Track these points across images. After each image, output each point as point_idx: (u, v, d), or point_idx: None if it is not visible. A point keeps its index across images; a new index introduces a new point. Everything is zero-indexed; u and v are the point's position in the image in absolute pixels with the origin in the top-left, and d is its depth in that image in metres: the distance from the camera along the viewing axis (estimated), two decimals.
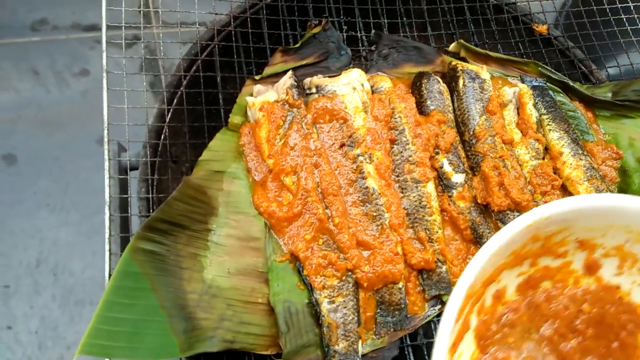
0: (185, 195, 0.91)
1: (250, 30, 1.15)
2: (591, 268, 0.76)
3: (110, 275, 0.92)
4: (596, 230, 0.72)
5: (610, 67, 1.29)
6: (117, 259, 0.93)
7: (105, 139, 1.00)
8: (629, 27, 1.32)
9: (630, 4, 1.34)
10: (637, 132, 1.15)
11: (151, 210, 0.97)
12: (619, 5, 1.35)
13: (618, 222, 0.71)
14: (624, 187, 1.11)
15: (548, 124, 1.12)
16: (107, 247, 0.93)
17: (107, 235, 0.94)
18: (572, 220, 0.70)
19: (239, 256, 0.93)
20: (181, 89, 1.08)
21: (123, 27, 1.09)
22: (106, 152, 0.99)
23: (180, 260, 0.89)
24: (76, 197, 1.89)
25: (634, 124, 1.17)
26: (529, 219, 0.67)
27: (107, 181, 0.97)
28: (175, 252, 0.89)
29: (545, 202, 1.04)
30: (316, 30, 1.15)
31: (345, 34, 1.21)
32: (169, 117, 1.06)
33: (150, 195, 0.99)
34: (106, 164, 0.98)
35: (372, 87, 1.10)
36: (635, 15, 1.32)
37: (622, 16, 1.33)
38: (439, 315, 0.97)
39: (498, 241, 0.66)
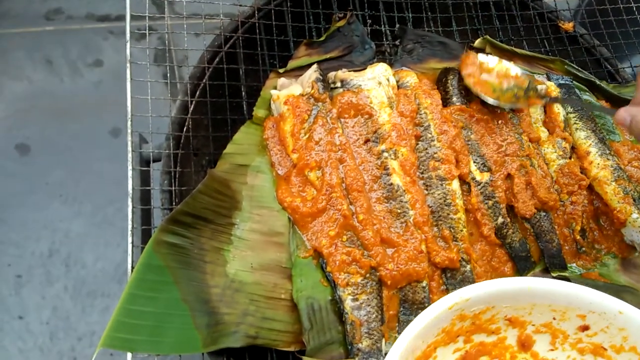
0: (210, 188, 0.89)
1: (274, 23, 1.13)
2: (525, 344, 0.79)
3: (132, 267, 0.91)
4: (522, 309, 0.74)
5: (636, 67, 1.27)
6: (137, 252, 0.92)
7: (129, 130, 0.99)
8: None
9: None
10: None
11: (174, 203, 0.96)
12: None
13: (540, 301, 0.73)
14: None
15: (575, 123, 1.10)
16: (129, 240, 0.92)
17: (129, 227, 0.93)
18: (495, 301, 0.72)
19: (262, 251, 0.92)
20: (204, 80, 1.06)
21: (147, 17, 1.08)
22: (129, 143, 0.98)
23: (203, 254, 0.88)
24: (89, 188, 1.88)
25: None
26: (449, 302, 0.69)
27: (130, 173, 0.96)
28: (198, 245, 0.88)
29: (572, 202, 1.02)
30: (341, 23, 1.13)
31: (369, 28, 1.19)
32: (191, 109, 1.05)
33: (173, 188, 0.97)
34: (129, 155, 0.97)
35: (397, 82, 1.08)
36: None
37: None
38: None
39: (422, 321, 0.69)
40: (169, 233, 0.86)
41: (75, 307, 1.73)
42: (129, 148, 0.97)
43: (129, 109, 0.99)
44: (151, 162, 0.99)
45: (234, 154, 0.96)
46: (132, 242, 0.92)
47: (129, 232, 0.92)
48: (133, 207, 0.94)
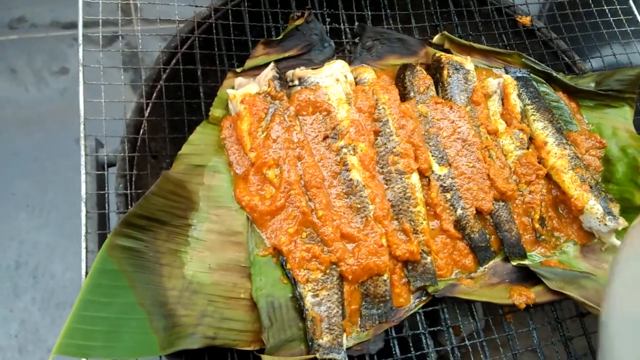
0: (164, 190, 0.88)
1: (231, 23, 1.13)
2: None
3: (87, 273, 0.89)
4: None
5: (593, 58, 1.30)
6: (93, 258, 0.90)
7: (82, 134, 0.97)
8: (611, 19, 1.32)
9: None
10: (621, 121, 1.16)
11: (130, 207, 0.94)
12: None
13: None
14: (608, 176, 1.11)
15: (532, 114, 1.11)
16: (83, 245, 0.91)
17: (83, 232, 0.92)
18: None
19: (220, 251, 0.91)
20: (160, 82, 1.05)
21: (100, 22, 1.07)
22: (82, 147, 0.96)
23: (159, 257, 0.87)
24: (56, 198, 1.85)
25: (617, 114, 1.17)
26: None
27: (83, 177, 0.95)
28: (154, 248, 0.86)
29: (531, 191, 1.04)
30: (299, 22, 1.13)
31: (328, 26, 1.19)
32: (148, 111, 1.04)
33: (129, 191, 0.96)
34: (82, 159, 0.96)
35: (355, 78, 1.08)
36: (618, 7, 1.33)
37: (605, 7, 1.33)
38: (425, 306, 0.96)
39: None
40: (123, 236, 0.85)
41: (44, 319, 1.70)
42: (82, 152, 0.95)
43: (81, 112, 0.98)
44: (106, 166, 0.97)
45: (189, 154, 0.95)
46: (87, 248, 0.91)
47: (83, 238, 0.91)
48: (87, 212, 0.93)
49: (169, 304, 0.85)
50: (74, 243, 1.78)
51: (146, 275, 0.85)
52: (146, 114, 1.02)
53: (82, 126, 0.97)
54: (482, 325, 1.02)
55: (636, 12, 1.32)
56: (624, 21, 1.32)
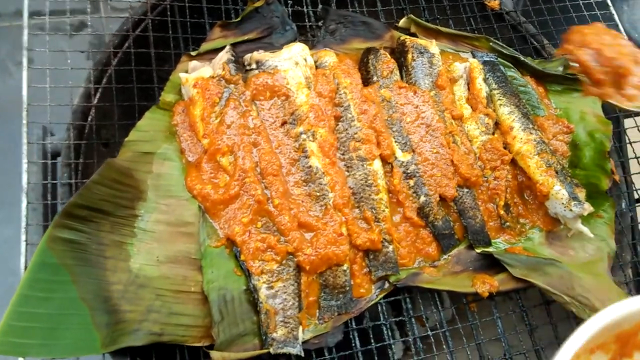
0: (107, 178, 0.83)
1: (187, 4, 1.08)
2: None
3: (26, 267, 0.84)
4: None
5: (562, 42, 1.26)
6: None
7: (24, 121, 0.92)
8: (581, 2, 1.29)
9: None
10: (589, 105, 1.13)
11: None
12: None
13: None
14: (575, 161, 1.08)
15: (499, 99, 1.08)
16: (23, 238, 0.86)
17: (23, 224, 0.87)
18: None
19: (169, 243, 0.86)
20: (111, 67, 1.00)
21: (47, 4, 1.02)
22: (24, 135, 0.91)
23: (103, 249, 0.82)
24: (17, 194, 1.78)
25: (585, 98, 1.15)
26: None
27: (24, 167, 0.89)
28: (97, 240, 0.82)
29: (496, 177, 1.01)
30: (259, 4, 1.09)
31: (290, 9, 1.14)
32: (97, 97, 0.98)
33: (74, 181, 0.91)
34: (24, 148, 0.90)
35: (315, 62, 1.04)
36: None
37: None
38: (386, 297, 0.92)
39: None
40: (64, 228, 0.80)
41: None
42: (24, 140, 0.90)
43: (24, 98, 0.92)
44: (49, 155, 0.92)
45: (137, 141, 0.90)
46: (27, 240, 0.86)
47: (22, 230, 0.86)
48: (28, 202, 0.88)
49: (113, 299, 0.80)
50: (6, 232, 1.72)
51: (89, 269, 0.80)
52: (95, 100, 0.97)
53: (24, 112, 0.92)
54: (447, 315, 0.99)
55: None
56: (594, 4, 1.30)
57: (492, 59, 1.15)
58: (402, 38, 1.12)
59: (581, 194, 0.96)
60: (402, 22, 1.19)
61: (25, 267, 0.84)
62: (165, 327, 0.80)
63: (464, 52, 1.17)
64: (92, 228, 0.82)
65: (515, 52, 1.19)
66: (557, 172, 0.98)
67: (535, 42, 1.25)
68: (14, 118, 1.93)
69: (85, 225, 0.81)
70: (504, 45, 1.19)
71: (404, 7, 1.24)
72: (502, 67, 1.14)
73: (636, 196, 1.13)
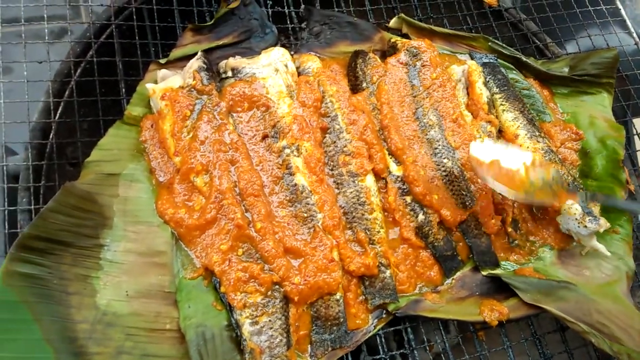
0: (65, 205, 0.74)
1: (155, 7, 0.98)
2: None
3: None
4: None
5: (566, 41, 1.18)
6: None
7: None
8: None
9: None
10: (598, 109, 1.04)
11: None
12: None
13: None
14: (586, 170, 1.00)
15: (501, 104, 0.99)
16: None
17: None
18: None
19: (140, 275, 0.77)
20: (73, 78, 0.91)
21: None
22: None
23: (66, 284, 0.73)
24: None
25: (595, 101, 1.06)
26: None
27: None
28: (59, 274, 0.73)
29: None
30: (234, 5, 0.99)
31: (270, 10, 1.05)
32: (58, 112, 0.89)
33: (33, 207, 0.82)
34: None
35: (298, 68, 0.95)
36: None
37: None
38: (385, 327, 0.83)
39: None
40: (21, 262, 0.71)
41: None
42: None
43: None
44: (5, 178, 0.82)
45: (100, 161, 0.81)
46: None
47: None
48: None
49: (79, 340, 0.72)
50: None
51: (51, 306, 0.72)
52: (56, 116, 0.88)
53: None
54: (453, 342, 0.90)
55: None
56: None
57: (492, 61, 1.06)
58: (393, 40, 1.03)
59: (595, 208, 0.87)
60: (392, 22, 1.10)
61: None
62: None
63: (461, 53, 1.08)
64: (53, 261, 0.73)
65: (517, 52, 1.10)
66: (569, 184, 0.89)
67: (537, 41, 1.16)
68: None
69: (44, 258, 0.73)
70: (504, 45, 1.10)
71: (394, 5, 1.15)
72: (502, 69, 1.06)
73: None
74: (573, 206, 0.87)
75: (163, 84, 0.85)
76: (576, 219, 0.86)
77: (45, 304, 0.71)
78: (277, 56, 0.91)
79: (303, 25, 1.06)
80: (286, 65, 0.91)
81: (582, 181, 0.97)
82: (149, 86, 0.86)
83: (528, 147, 0.94)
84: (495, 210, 0.91)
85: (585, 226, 0.86)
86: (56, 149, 0.88)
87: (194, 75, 0.85)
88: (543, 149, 0.94)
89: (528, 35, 1.17)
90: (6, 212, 0.82)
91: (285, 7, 1.07)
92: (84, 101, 0.90)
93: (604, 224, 0.85)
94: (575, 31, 1.19)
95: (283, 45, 1.00)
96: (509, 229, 0.90)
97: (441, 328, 0.85)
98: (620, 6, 1.19)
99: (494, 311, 0.82)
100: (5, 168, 0.87)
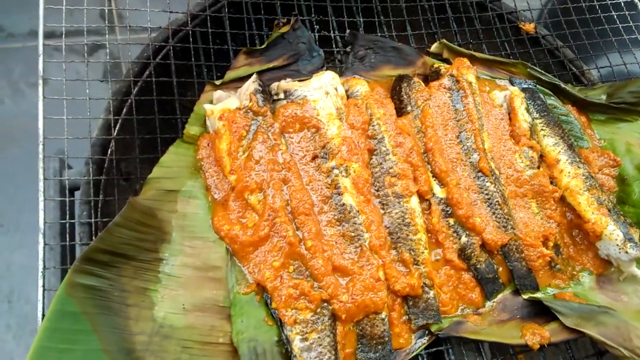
0: (130, 220, 0.78)
1: (210, 30, 1.03)
2: None
3: (44, 315, 0.78)
4: None
5: (602, 68, 1.21)
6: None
7: (40, 156, 0.87)
8: (620, 25, 1.23)
9: (620, 0, 1.26)
10: (635, 136, 1.06)
11: (94, 237, 0.83)
12: (609, 2, 1.26)
13: None
14: (624, 197, 1.01)
15: (542, 129, 1.02)
16: (40, 283, 0.80)
17: (40, 268, 0.81)
18: None
19: (195, 289, 0.80)
20: (131, 96, 0.95)
21: (63, 29, 0.97)
22: (41, 170, 0.86)
23: (125, 296, 0.76)
24: (32, 217, 1.74)
25: (631, 128, 1.08)
26: None
27: (41, 205, 0.84)
28: (119, 286, 0.76)
29: (547, 216, 0.94)
30: (284, 29, 1.03)
31: (317, 34, 1.09)
32: (117, 128, 0.93)
33: (93, 220, 0.85)
34: (41, 184, 0.85)
35: (347, 91, 0.99)
36: (627, 12, 1.24)
37: (612, 13, 1.25)
38: (427, 347, 0.85)
39: None
40: (84, 274, 0.74)
41: (19, 347, 1.58)
42: (40, 176, 0.85)
43: (40, 131, 0.87)
44: (67, 191, 0.87)
45: (161, 178, 0.84)
46: (44, 286, 0.80)
47: (40, 274, 0.80)
48: (45, 244, 0.82)
49: (136, 351, 0.74)
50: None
51: (111, 318, 0.75)
52: (114, 132, 0.92)
53: (40, 146, 0.87)
54: None
55: None
56: (633, 27, 1.24)
57: (531, 86, 1.09)
58: (436, 65, 1.07)
59: (636, 234, 0.89)
60: (434, 47, 1.14)
61: (43, 316, 0.78)
62: None
63: (500, 78, 1.11)
64: (114, 273, 0.76)
65: (555, 78, 1.13)
66: (609, 210, 0.91)
67: (574, 68, 1.19)
68: (27, 141, 1.90)
69: (106, 271, 0.76)
70: (542, 71, 1.13)
71: (434, 31, 1.18)
72: (541, 95, 1.08)
73: None
74: (615, 232, 0.89)
75: (220, 105, 0.89)
76: (617, 244, 0.88)
77: (105, 315, 0.74)
78: (327, 80, 0.94)
79: (348, 49, 1.10)
80: (336, 89, 0.95)
81: (620, 208, 0.98)
82: (208, 107, 0.89)
83: (569, 173, 0.96)
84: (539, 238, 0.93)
85: (627, 252, 0.87)
86: (113, 164, 0.92)
87: (250, 97, 0.89)
88: (584, 175, 0.96)
89: (565, 62, 1.19)
90: (67, 224, 0.86)
91: (331, 32, 1.11)
92: (139, 119, 0.94)
93: None
94: (610, 58, 1.21)
95: (329, 68, 1.04)
96: (552, 254, 0.92)
97: (482, 349, 0.87)
98: None
99: (535, 335, 0.84)
100: (61, 182, 0.91)
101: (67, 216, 0.85)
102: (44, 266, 0.81)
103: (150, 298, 0.78)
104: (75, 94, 0.94)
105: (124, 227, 0.77)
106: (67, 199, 0.86)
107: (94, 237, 0.84)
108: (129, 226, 0.78)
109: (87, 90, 0.93)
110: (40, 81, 0.91)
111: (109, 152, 0.92)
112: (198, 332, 0.78)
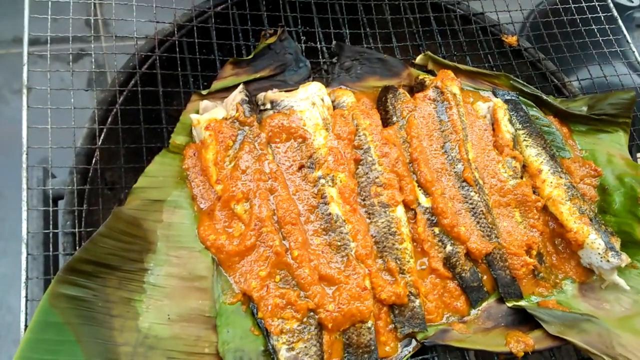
0: (114, 230, 0.77)
1: (197, 41, 1.03)
2: None
3: (26, 326, 0.77)
4: None
5: (583, 80, 1.23)
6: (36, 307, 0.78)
7: (24, 165, 0.86)
8: (600, 38, 1.27)
9: (600, 14, 1.29)
10: (616, 147, 1.09)
11: (78, 248, 0.83)
12: (589, 15, 1.30)
13: None
14: (605, 206, 1.03)
15: (525, 140, 1.04)
16: (23, 293, 0.79)
17: (23, 278, 0.80)
18: None
19: (181, 299, 0.80)
20: (116, 106, 0.95)
21: (48, 38, 0.97)
22: (24, 179, 0.85)
23: (110, 307, 0.76)
24: (16, 227, 1.71)
25: (612, 139, 1.11)
26: None
27: (24, 214, 0.83)
28: (104, 297, 0.75)
29: (530, 225, 0.95)
30: (271, 40, 1.04)
31: (303, 45, 1.10)
32: (101, 138, 0.93)
33: (77, 230, 0.85)
34: (24, 194, 0.84)
35: (333, 102, 0.99)
36: (607, 26, 1.27)
37: (593, 27, 1.28)
38: (413, 356, 0.86)
39: None
40: (68, 284, 0.74)
41: (2, 356, 1.55)
42: (24, 185, 0.84)
43: (24, 140, 0.86)
44: (51, 200, 0.86)
45: (146, 188, 0.84)
46: (27, 296, 0.79)
47: (22, 284, 0.79)
48: (28, 254, 0.81)
49: None
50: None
51: (95, 329, 0.74)
52: (99, 142, 0.91)
53: (24, 156, 0.86)
54: None
55: (625, 32, 1.26)
56: (613, 41, 1.27)
57: (513, 98, 1.11)
58: (421, 77, 1.08)
59: (617, 243, 0.91)
60: (419, 59, 1.16)
61: (26, 326, 0.77)
62: None
63: (484, 90, 1.13)
64: (98, 284, 0.75)
65: (537, 90, 1.15)
66: (591, 220, 0.93)
67: (555, 80, 1.21)
68: (11, 149, 1.87)
69: (90, 281, 0.75)
70: (525, 83, 1.15)
71: (419, 43, 1.20)
72: (524, 106, 1.10)
73: None
74: (596, 241, 0.91)
75: (207, 114, 0.89)
76: (599, 253, 0.90)
77: (89, 326, 0.73)
78: (314, 90, 0.95)
79: (334, 60, 1.11)
80: (322, 99, 0.96)
81: (602, 217, 1.00)
82: (194, 117, 0.90)
83: (552, 182, 0.98)
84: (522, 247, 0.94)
85: (608, 261, 0.89)
86: (97, 174, 0.92)
87: (237, 107, 0.89)
88: (565, 185, 0.97)
89: (547, 74, 1.22)
90: (51, 234, 0.85)
91: (318, 43, 1.12)
92: (125, 128, 0.94)
93: (625, 259, 0.89)
94: (591, 70, 1.24)
95: (315, 79, 1.05)
96: (535, 262, 0.93)
97: (467, 357, 0.88)
98: (634, 48, 1.25)
99: (520, 342, 0.85)
100: (45, 191, 0.90)
101: (51, 226, 0.84)
102: (27, 276, 0.80)
103: (135, 308, 0.77)
104: (59, 103, 0.93)
105: (109, 237, 0.77)
106: (50, 209, 0.85)
107: (77, 247, 0.83)
108: (113, 236, 0.77)
109: (72, 99, 0.92)
110: (25, 90, 0.90)
111: (93, 161, 0.91)
112: (183, 342, 0.77)
